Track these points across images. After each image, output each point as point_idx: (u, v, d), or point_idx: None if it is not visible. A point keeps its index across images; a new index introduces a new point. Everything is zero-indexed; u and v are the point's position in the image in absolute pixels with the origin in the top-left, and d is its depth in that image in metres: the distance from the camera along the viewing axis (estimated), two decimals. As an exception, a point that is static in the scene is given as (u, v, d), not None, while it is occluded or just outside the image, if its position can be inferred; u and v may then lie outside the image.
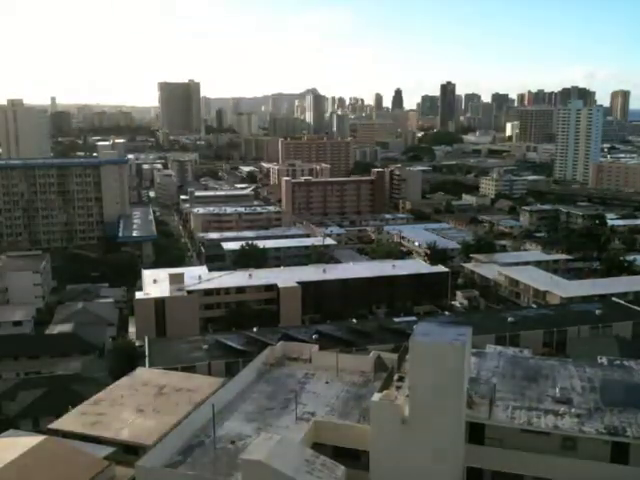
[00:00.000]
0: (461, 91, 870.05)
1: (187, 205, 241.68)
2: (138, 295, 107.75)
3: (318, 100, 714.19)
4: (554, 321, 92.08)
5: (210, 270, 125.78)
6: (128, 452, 46.47)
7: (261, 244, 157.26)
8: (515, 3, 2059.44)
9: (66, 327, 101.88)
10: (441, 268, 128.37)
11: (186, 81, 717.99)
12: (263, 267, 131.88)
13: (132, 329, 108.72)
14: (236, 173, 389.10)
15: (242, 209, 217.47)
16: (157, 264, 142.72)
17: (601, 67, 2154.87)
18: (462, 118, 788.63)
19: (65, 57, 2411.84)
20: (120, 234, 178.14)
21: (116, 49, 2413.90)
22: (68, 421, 52.18)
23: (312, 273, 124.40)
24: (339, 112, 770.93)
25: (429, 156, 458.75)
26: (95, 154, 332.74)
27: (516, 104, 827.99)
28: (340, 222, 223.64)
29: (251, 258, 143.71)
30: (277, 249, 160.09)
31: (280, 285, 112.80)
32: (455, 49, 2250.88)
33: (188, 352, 79.52)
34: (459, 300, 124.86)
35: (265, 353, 53.24)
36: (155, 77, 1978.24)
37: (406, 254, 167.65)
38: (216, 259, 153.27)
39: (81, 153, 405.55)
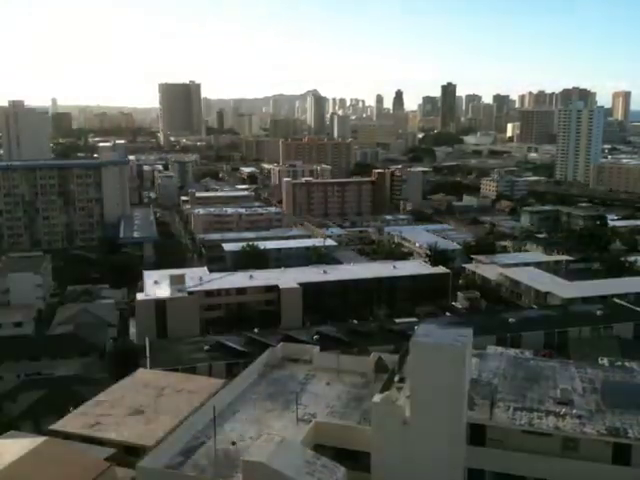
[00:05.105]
0: (462, 92, 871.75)
1: (188, 206, 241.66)
2: (139, 296, 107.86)
3: (319, 101, 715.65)
4: (555, 322, 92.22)
5: (211, 271, 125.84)
6: (129, 453, 46.38)
7: (262, 245, 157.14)
8: (516, 4, 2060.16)
9: (67, 328, 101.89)
10: (442, 269, 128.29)
11: (187, 82, 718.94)
12: (264, 268, 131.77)
13: (133, 330, 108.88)
14: (237, 174, 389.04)
15: (243, 210, 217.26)
16: (158, 265, 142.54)
17: (603, 68, 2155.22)
18: (463, 119, 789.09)
19: (66, 58, 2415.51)
20: (121, 235, 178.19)
21: (117, 50, 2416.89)
22: (69, 422, 52.10)
23: (313, 274, 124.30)
24: (340, 113, 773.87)
25: (430, 157, 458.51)
26: (96, 155, 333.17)
27: (517, 105, 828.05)
28: (341, 223, 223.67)
29: (252, 259, 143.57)
30: (278, 250, 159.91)
31: (281, 286, 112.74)
32: (456, 50, 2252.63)
33: (189, 353, 79.63)
34: (460, 301, 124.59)
35: (266, 354, 53.16)
36: (156, 78, 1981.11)
37: (407, 255, 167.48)
38: (217, 260, 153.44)
39: (82, 154, 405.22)
